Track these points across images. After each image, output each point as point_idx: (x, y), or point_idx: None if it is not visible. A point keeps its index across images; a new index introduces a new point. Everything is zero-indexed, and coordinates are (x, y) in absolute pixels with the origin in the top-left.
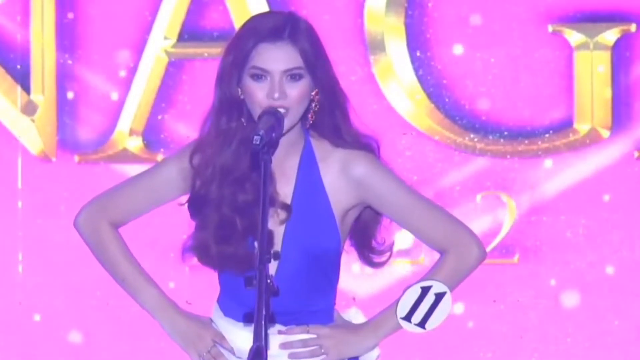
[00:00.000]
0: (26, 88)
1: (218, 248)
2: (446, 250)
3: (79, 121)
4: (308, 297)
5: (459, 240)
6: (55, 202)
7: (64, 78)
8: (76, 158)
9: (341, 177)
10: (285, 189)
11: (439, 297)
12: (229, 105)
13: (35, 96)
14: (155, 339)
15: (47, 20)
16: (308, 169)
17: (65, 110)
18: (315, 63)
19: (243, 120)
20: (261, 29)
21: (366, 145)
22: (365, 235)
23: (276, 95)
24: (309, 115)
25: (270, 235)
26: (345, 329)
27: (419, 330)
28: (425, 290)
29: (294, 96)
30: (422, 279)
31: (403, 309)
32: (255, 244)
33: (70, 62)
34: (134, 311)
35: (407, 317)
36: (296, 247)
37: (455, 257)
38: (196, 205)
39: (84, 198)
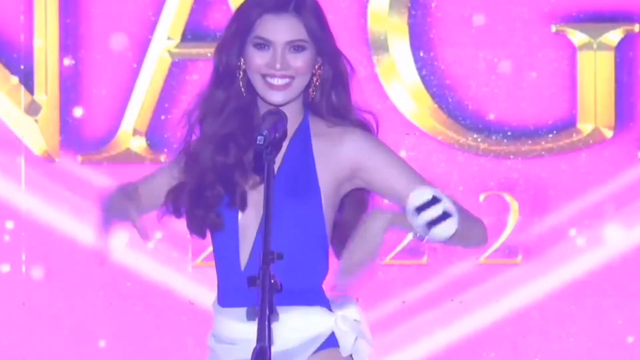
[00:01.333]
0: (29, 88)
1: (189, 209)
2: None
3: (82, 121)
4: (290, 272)
5: (468, 213)
6: (59, 202)
7: (67, 78)
8: (79, 158)
9: (333, 150)
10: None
11: (446, 216)
12: (227, 74)
13: (39, 96)
14: (158, 339)
15: (50, 21)
16: (300, 141)
17: (68, 110)
18: (320, 36)
19: (243, 89)
20: (266, 1)
21: (363, 124)
22: (345, 231)
23: (278, 65)
24: (310, 90)
25: (243, 197)
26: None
27: (421, 232)
28: (435, 200)
29: (297, 67)
30: None
31: (415, 201)
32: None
33: (73, 62)
34: (137, 311)
35: (418, 211)
36: (277, 217)
37: (468, 216)
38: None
39: (87, 198)
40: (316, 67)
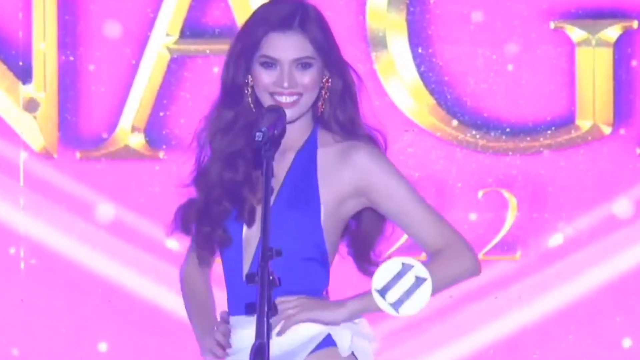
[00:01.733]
0: (28, 85)
1: (198, 225)
2: (439, 251)
3: (80, 118)
4: (289, 280)
5: (456, 246)
6: (57, 199)
7: (65, 75)
8: (78, 155)
9: (338, 163)
10: (279, 172)
11: (419, 282)
12: (234, 92)
13: (37, 93)
14: (157, 337)
15: (49, 17)
16: (307, 153)
17: (67, 107)
18: (327, 49)
19: (252, 105)
20: (271, 18)
21: (371, 138)
22: (365, 245)
23: (285, 84)
24: (319, 104)
25: (252, 212)
26: (314, 299)
27: (392, 312)
28: (406, 269)
29: (305, 83)
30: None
31: (380, 280)
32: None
33: (72, 58)
34: (136, 309)
35: (383, 292)
36: (277, 226)
37: (448, 258)
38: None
39: (86, 194)
40: (324, 80)
